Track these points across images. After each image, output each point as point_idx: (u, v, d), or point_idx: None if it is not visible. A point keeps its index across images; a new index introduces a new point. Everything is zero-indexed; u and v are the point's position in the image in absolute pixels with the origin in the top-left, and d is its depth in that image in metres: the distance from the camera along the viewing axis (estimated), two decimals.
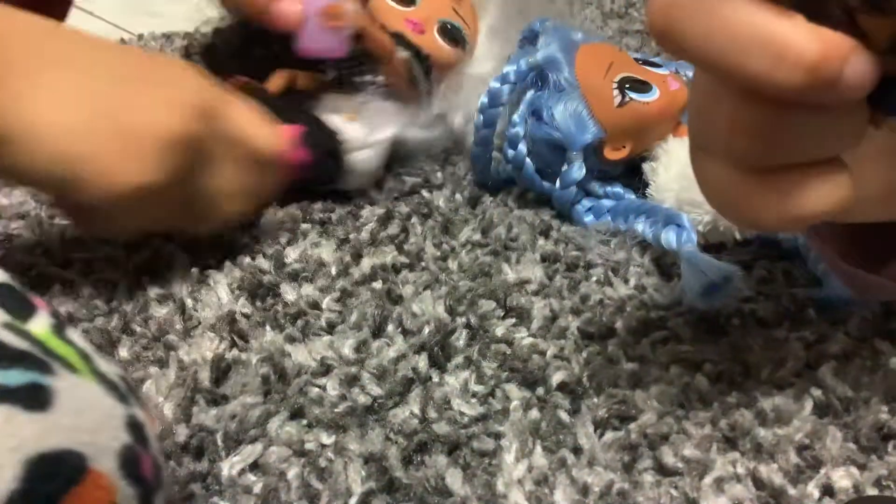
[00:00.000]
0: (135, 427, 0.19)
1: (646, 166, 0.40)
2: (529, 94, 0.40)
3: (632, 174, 0.41)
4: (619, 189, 0.41)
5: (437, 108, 0.44)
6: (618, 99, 0.39)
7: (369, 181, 0.42)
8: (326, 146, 0.40)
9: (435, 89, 0.44)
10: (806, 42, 0.17)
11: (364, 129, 0.41)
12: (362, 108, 0.41)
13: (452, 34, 0.46)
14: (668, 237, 0.35)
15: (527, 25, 0.45)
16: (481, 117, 0.40)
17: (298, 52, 0.39)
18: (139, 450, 0.19)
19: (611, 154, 0.39)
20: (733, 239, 0.36)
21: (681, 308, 0.34)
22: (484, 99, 0.40)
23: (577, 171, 0.38)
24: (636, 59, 0.41)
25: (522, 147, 0.40)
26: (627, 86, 0.39)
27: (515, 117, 0.40)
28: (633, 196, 0.40)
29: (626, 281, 0.36)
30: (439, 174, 0.45)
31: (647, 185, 0.39)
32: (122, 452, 0.18)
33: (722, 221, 0.35)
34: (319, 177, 0.40)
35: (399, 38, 0.44)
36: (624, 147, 0.40)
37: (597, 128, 0.38)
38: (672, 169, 0.37)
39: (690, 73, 0.44)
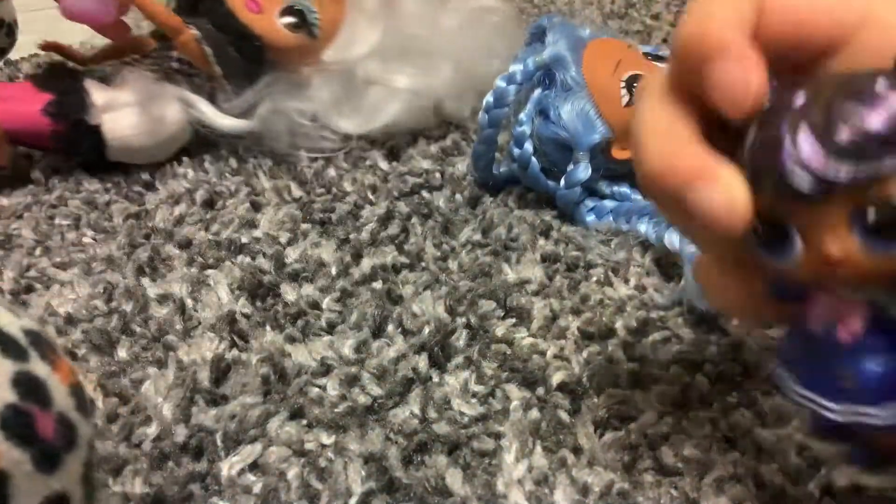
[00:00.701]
0: (27, 384, 0.18)
1: None
2: (536, 92, 0.40)
3: None
4: (625, 189, 0.40)
5: (253, 98, 0.42)
6: (626, 98, 0.38)
7: (141, 156, 0.42)
8: (72, 115, 0.40)
9: (263, 74, 0.42)
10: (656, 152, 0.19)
11: (129, 97, 0.41)
12: (135, 81, 0.41)
13: (298, 16, 0.43)
14: (672, 238, 0.35)
15: (534, 22, 0.44)
16: (486, 116, 0.40)
17: (64, 16, 0.39)
18: (32, 409, 0.18)
19: (618, 154, 0.39)
20: None
21: (681, 308, 0.34)
22: (489, 98, 0.40)
23: (583, 171, 0.38)
24: (646, 54, 0.41)
25: (528, 146, 0.40)
26: (635, 84, 0.39)
27: (522, 116, 0.40)
28: (639, 196, 0.40)
29: (627, 281, 0.36)
30: (439, 174, 0.45)
31: None
32: (5, 413, 0.17)
33: None
34: (70, 145, 0.41)
35: (226, 17, 0.42)
36: None
37: (604, 127, 0.38)
38: None
39: None
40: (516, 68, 0.39)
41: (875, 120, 0.16)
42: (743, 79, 0.18)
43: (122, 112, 0.41)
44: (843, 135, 0.16)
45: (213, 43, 0.41)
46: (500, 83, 0.39)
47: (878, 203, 0.16)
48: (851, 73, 0.17)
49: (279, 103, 0.43)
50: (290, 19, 0.43)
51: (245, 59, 0.42)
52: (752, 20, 0.18)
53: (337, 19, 0.45)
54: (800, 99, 0.17)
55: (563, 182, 0.39)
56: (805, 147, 0.16)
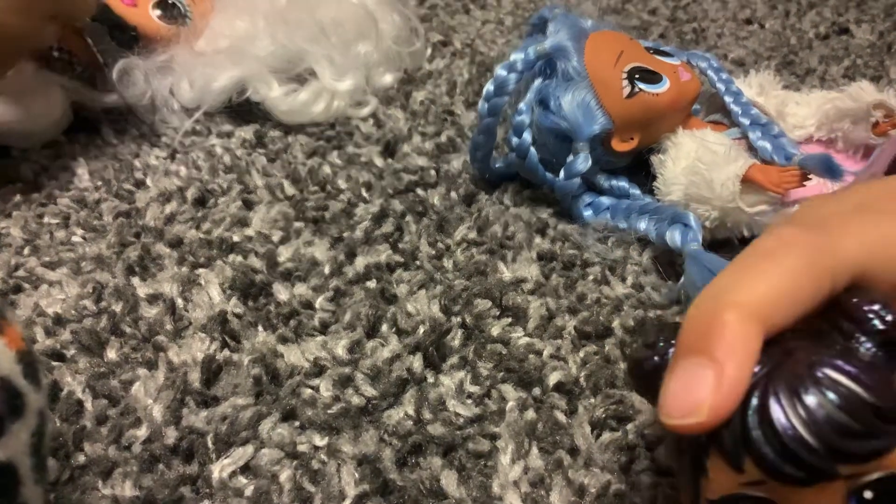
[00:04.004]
0: None
1: (654, 159, 0.39)
2: (537, 82, 0.39)
3: (637, 168, 0.41)
4: (624, 183, 0.40)
5: (123, 83, 0.46)
6: (627, 89, 0.38)
7: (25, 141, 0.44)
8: None
9: (136, 60, 0.46)
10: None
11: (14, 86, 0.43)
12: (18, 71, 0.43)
13: (171, 9, 0.48)
14: (674, 235, 0.34)
15: (535, 14, 0.44)
16: (486, 105, 0.39)
17: None
18: None
19: (618, 145, 0.39)
20: (740, 236, 0.36)
21: (679, 307, 0.34)
22: (490, 87, 0.39)
23: (583, 162, 0.38)
24: (647, 48, 0.41)
25: (527, 135, 0.39)
26: (637, 76, 0.38)
27: (522, 105, 0.39)
28: (637, 190, 0.40)
29: (624, 279, 0.36)
30: (434, 172, 0.44)
31: (654, 177, 0.39)
32: None
33: (729, 218, 0.35)
34: None
35: (103, 10, 0.45)
36: (632, 139, 0.39)
37: (605, 118, 0.38)
38: (681, 162, 0.37)
39: (702, 64, 0.44)
40: (517, 57, 0.38)
41: (869, 393, 0.14)
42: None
43: (8, 101, 0.43)
44: (843, 415, 0.14)
45: (93, 33, 0.45)
46: (501, 72, 0.39)
47: (883, 480, 0.14)
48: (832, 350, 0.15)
49: (144, 79, 0.47)
50: (163, 12, 0.48)
51: (121, 47, 0.46)
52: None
53: (206, 12, 0.50)
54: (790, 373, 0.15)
55: (562, 173, 0.39)
56: (801, 427, 0.14)
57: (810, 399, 0.14)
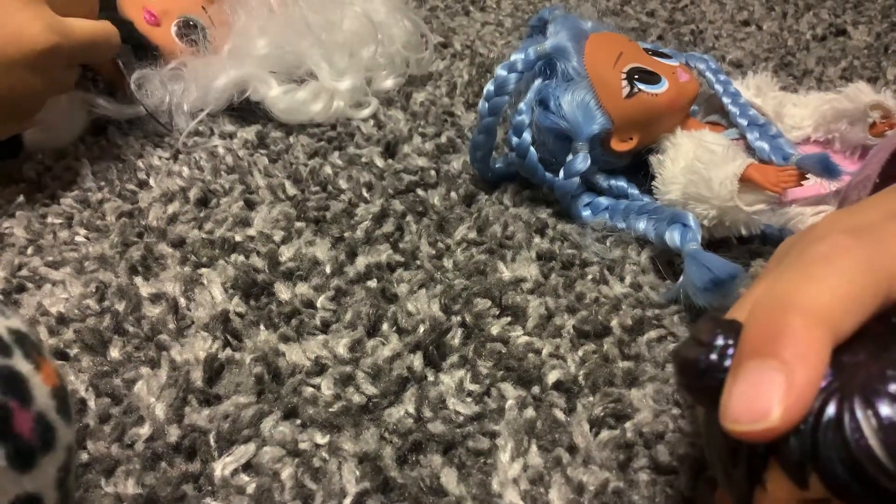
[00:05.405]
0: (7, 379, 0.18)
1: (653, 159, 0.39)
2: (537, 82, 0.39)
3: (636, 168, 0.41)
4: (622, 183, 0.40)
5: (142, 92, 0.47)
6: (626, 90, 0.38)
7: (49, 148, 0.46)
8: None
9: (149, 71, 0.47)
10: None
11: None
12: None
13: (193, 31, 0.50)
14: (673, 235, 0.35)
15: (536, 15, 0.44)
16: (486, 105, 0.40)
17: None
18: (10, 403, 0.18)
19: (618, 145, 0.39)
20: (738, 235, 0.36)
21: (677, 306, 0.34)
22: (490, 87, 0.39)
23: (582, 161, 0.38)
24: (646, 50, 0.41)
25: (527, 135, 0.39)
26: (636, 76, 0.38)
27: (522, 105, 0.39)
28: (636, 190, 0.40)
29: (622, 279, 0.36)
30: (434, 172, 0.44)
31: (652, 177, 0.39)
32: None
33: (727, 217, 0.35)
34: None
35: (128, 29, 0.46)
36: (631, 139, 0.39)
37: (604, 118, 0.38)
38: (679, 162, 0.37)
39: (700, 65, 0.44)
40: (517, 57, 0.39)
41: None
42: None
43: (38, 120, 0.44)
44: None
45: (121, 54, 0.46)
46: (501, 72, 0.39)
47: None
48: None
49: (160, 85, 0.48)
50: (184, 32, 0.50)
51: (141, 62, 0.48)
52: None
53: (224, 32, 0.51)
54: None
55: (561, 173, 0.39)
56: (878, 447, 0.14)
57: (887, 417, 0.14)
